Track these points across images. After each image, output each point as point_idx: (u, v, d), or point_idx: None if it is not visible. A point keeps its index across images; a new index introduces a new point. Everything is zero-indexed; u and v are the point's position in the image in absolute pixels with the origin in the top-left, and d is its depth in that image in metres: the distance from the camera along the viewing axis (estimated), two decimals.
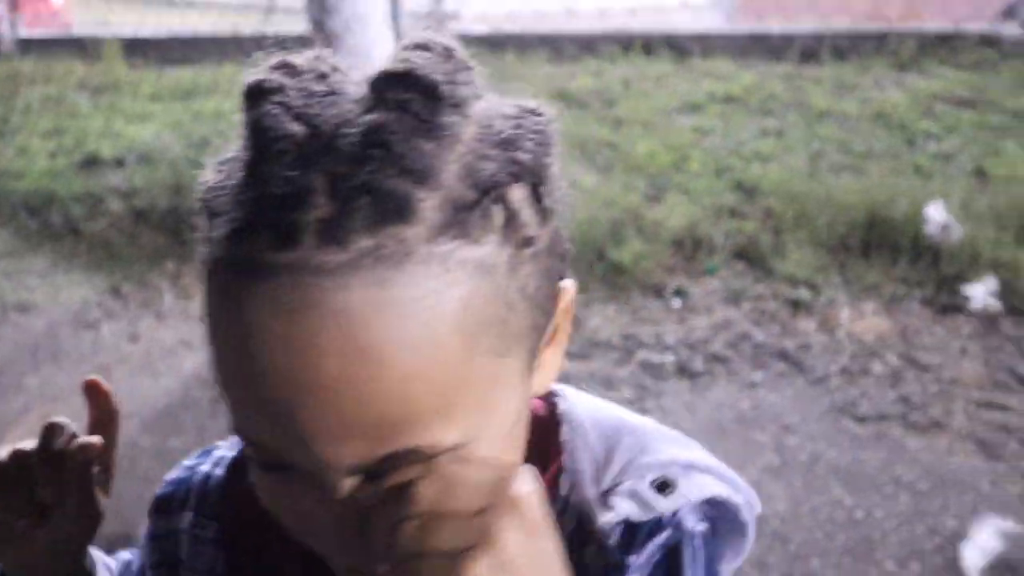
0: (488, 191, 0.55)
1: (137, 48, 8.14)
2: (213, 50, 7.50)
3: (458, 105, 0.56)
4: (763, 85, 6.47)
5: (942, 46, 6.99)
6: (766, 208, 4.53)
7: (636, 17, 6.98)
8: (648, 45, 7.29)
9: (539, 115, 0.61)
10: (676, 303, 3.98)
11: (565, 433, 0.71)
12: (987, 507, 2.79)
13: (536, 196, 0.59)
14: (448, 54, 0.58)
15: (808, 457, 3.05)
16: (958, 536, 2.69)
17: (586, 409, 0.73)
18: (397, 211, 0.52)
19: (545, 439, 0.70)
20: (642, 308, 3.97)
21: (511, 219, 0.56)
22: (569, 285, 0.64)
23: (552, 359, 0.65)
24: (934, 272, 4.00)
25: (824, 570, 2.60)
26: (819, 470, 2.99)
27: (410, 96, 0.54)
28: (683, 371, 3.54)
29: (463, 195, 0.54)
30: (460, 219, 0.54)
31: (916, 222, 4.21)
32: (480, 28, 7.72)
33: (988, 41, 6.83)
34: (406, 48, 0.57)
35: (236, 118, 0.57)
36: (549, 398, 0.74)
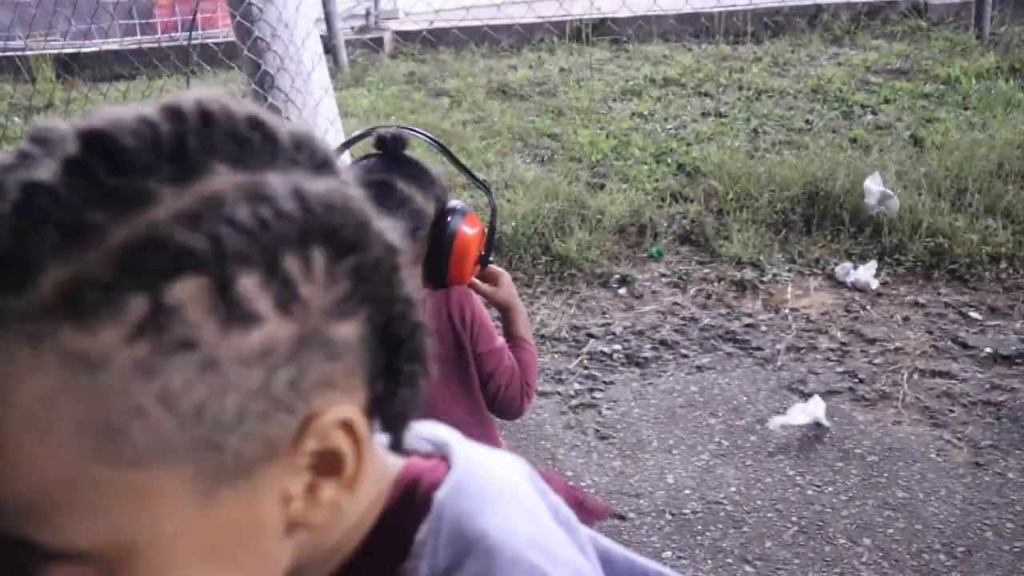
0: (136, 276, 0.48)
1: (70, 66, 7.98)
2: (145, 64, 7.37)
3: (158, 175, 0.49)
4: (700, 66, 6.48)
5: (874, 18, 7.06)
6: (708, 190, 4.54)
7: (567, 6, 6.96)
8: (584, 33, 7.27)
9: (329, 203, 0.54)
10: (623, 291, 3.97)
11: (423, 532, 0.62)
12: (935, 475, 2.82)
13: (225, 294, 0.49)
14: (201, 117, 0.52)
15: (758, 437, 3.06)
16: (908, 507, 2.72)
17: (459, 507, 0.63)
18: (11, 276, 0.47)
19: (398, 537, 0.62)
20: (589, 298, 3.96)
21: (157, 315, 0.48)
22: (345, 412, 0.55)
23: (327, 493, 0.57)
24: (876, 243, 4.04)
25: (778, 551, 2.61)
26: (769, 449, 3.00)
27: (88, 157, 0.49)
28: (632, 360, 3.54)
29: (99, 275, 0.47)
30: (80, 301, 0.47)
31: (855, 194, 4.25)
32: (416, 26, 7.66)
33: (917, 10, 6.91)
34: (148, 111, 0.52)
35: None
36: (426, 480, 0.66)
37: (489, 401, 1.76)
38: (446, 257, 1.62)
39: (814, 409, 3.03)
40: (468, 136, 5.53)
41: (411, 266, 1.62)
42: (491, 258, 1.75)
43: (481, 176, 4.90)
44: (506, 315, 1.80)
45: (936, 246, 3.92)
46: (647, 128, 5.56)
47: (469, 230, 1.64)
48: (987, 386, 3.19)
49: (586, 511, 1.92)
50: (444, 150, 1.69)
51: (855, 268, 3.88)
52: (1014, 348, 3.35)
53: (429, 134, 1.70)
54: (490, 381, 1.74)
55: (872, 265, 3.86)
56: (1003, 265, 3.82)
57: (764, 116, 5.57)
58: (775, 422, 3.03)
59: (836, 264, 3.96)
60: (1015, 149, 4.49)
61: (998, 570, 2.48)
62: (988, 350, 3.36)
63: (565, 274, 4.09)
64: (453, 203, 1.66)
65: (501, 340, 1.76)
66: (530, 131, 5.61)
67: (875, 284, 3.80)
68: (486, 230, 1.70)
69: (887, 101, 5.60)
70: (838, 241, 4.11)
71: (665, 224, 4.34)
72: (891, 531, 2.64)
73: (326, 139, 2.87)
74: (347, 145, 1.79)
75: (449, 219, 1.62)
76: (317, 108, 4.53)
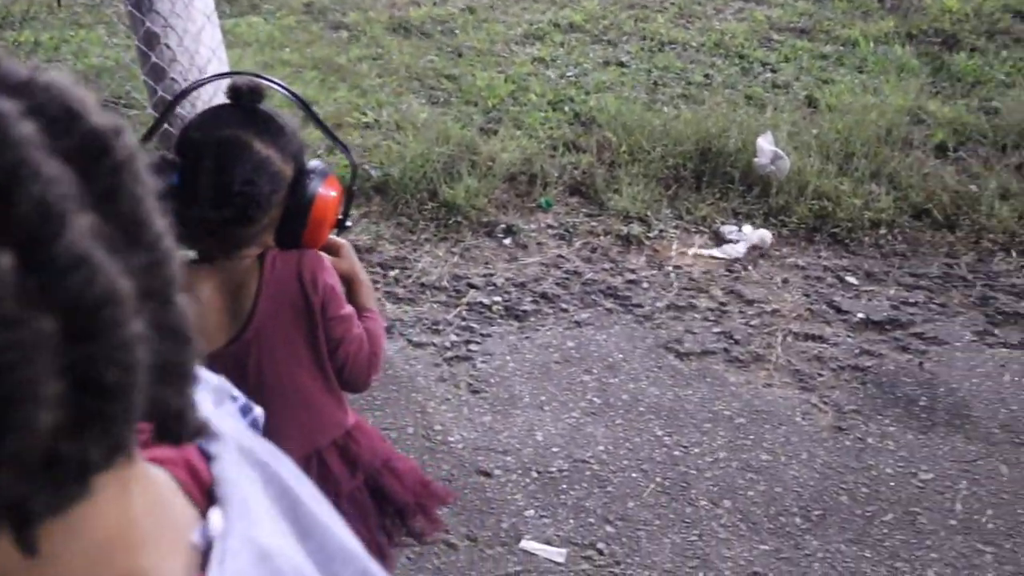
0: None
1: None
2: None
3: None
4: (605, 13, 6.39)
5: None
6: (602, 141, 4.48)
7: None
8: None
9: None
10: (508, 241, 3.91)
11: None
12: (798, 439, 2.85)
13: None
14: None
15: (630, 396, 3.05)
16: (770, 470, 2.74)
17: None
18: None
19: None
20: (473, 247, 3.89)
21: None
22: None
23: None
24: (763, 203, 4.05)
25: (640, 511, 2.61)
26: (640, 409, 3.00)
27: None
28: (511, 312, 3.49)
29: None
30: None
31: (748, 152, 4.24)
32: None
33: None
34: None
35: None
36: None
37: (337, 371, 1.68)
38: (302, 221, 1.53)
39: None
40: (364, 73, 5.35)
41: (267, 230, 1.53)
42: (348, 222, 1.66)
43: (371, 117, 4.76)
44: (349, 286, 1.71)
45: (821, 209, 3.95)
46: (546, 74, 5.46)
47: (328, 193, 1.55)
48: (856, 351, 3.23)
49: (432, 495, 1.87)
50: (306, 108, 1.58)
51: (739, 229, 3.89)
52: (885, 314, 3.40)
53: (288, 88, 1.58)
54: (339, 348, 1.65)
55: (760, 226, 3.87)
56: (883, 231, 3.87)
57: (664, 68, 5.52)
58: (524, 542, 2.53)
59: (724, 222, 3.96)
60: (904, 115, 4.54)
61: (849, 533, 2.52)
62: (861, 315, 3.40)
63: (451, 221, 4.00)
64: (312, 164, 1.56)
65: (350, 308, 1.67)
66: (428, 71, 5.46)
67: (770, 243, 3.79)
68: (344, 192, 1.62)
69: (786, 60, 5.61)
70: (727, 199, 4.11)
71: (556, 174, 4.27)
72: (751, 494, 2.66)
73: (208, 68, 2.67)
74: (192, 89, 1.65)
75: (308, 181, 1.53)
76: (199, 35, 4.30)
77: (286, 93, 1.57)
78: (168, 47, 4.26)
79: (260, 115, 1.51)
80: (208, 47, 4.38)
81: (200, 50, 4.36)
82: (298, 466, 1.74)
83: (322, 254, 1.62)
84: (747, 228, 3.87)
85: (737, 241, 3.81)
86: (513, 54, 5.77)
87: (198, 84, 1.67)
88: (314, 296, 1.58)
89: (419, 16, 6.31)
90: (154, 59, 4.25)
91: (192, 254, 1.58)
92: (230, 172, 1.44)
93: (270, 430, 1.69)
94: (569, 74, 5.45)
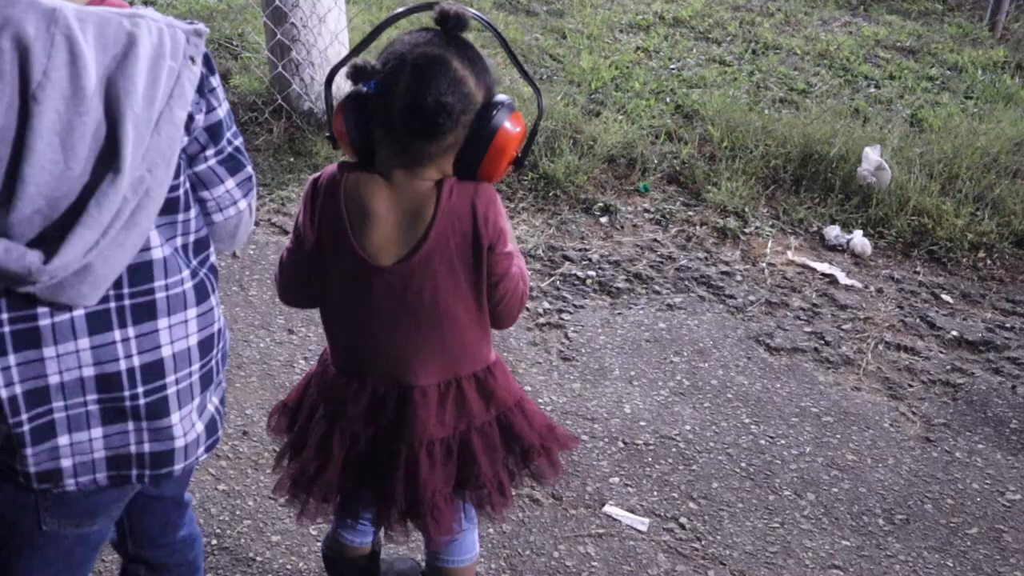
0: None
1: None
2: None
3: None
4: (711, 12, 6.38)
5: None
6: (703, 134, 4.49)
7: None
8: None
9: None
10: (604, 220, 3.93)
11: None
12: (885, 444, 2.85)
13: None
14: None
15: (719, 382, 3.07)
16: (855, 470, 2.74)
17: None
18: None
19: None
20: (570, 222, 3.92)
21: None
22: None
23: None
24: (862, 213, 4.03)
25: (723, 492, 2.63)
26: (728, 395, 3.01)
27: None
28: (604, 287, 3.51)
29: None
30: None
31: (850, 162, 4.22)
32: None
33: None
34: None
35: None
36: None
37: (493, 305, 1.71)
38: (483, 150, 1.54)
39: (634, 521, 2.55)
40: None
41: (449, 152, 1.56)
42: (525, 162, 1.67)
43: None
44: None
45: (920, 225, 3.92)
46: (650, 64, 5.48)
47: (512, 128, 1.55)
48: (948, 367, 3.21)
49: (556, 439, 1.90)
50: (504, 43, 1.61)
51: (848, 233, 3.87)
52: (980, 335, 3.37)
53: (491, 22, 1.61)
54: (500, 283, 1.67)
55: (859, 234, 3.85)
56: (981, 254, 3.83)
57: (768, 72, 5.51)
58: (608, 507, 2.58)
59: (821, 226, 3.95)
60: (1011, 144, 4.49)
61: (932, 541, 2.51)
62: (955, 333, 3.38)
63: (549, 194, 4.03)
64: (501, 97, 1.57)
65: (514, 246, 1.70)
66: (533, 48, 5.50)
67: (869, 253, 3.78)
68: (527, 132, 1.62)
69: (892, 77, 5.57)
70: (825, 205, 4.09)
71: (656, 161, 4.29)
72: (835, 490, 2.67)
73: (334, 9, 2.82)
74: (408, 12, 1.68)
75: (495, 112, 1.54)
76: None
77: (487, 25, 1.59)
78: None
79: (461, 40, 1.54)
80: None
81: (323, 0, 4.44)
82: (436, 391, 1.78)
83: (493, 189, 1.64)
84: (857, 233, 3.85)
85: (842, 247, 3.80)
86: (617, 41, 5.78)
87: (415, 9, 1.66)
88: (484, 230, 1.60)
89: None
90: (277, 3, 4.34)
91: (364, 171, 1.62)
92: (427, 83, 1.48)
93: (418, 352, 1.73)
94: (672, 67, 5.46)
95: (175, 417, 1.43)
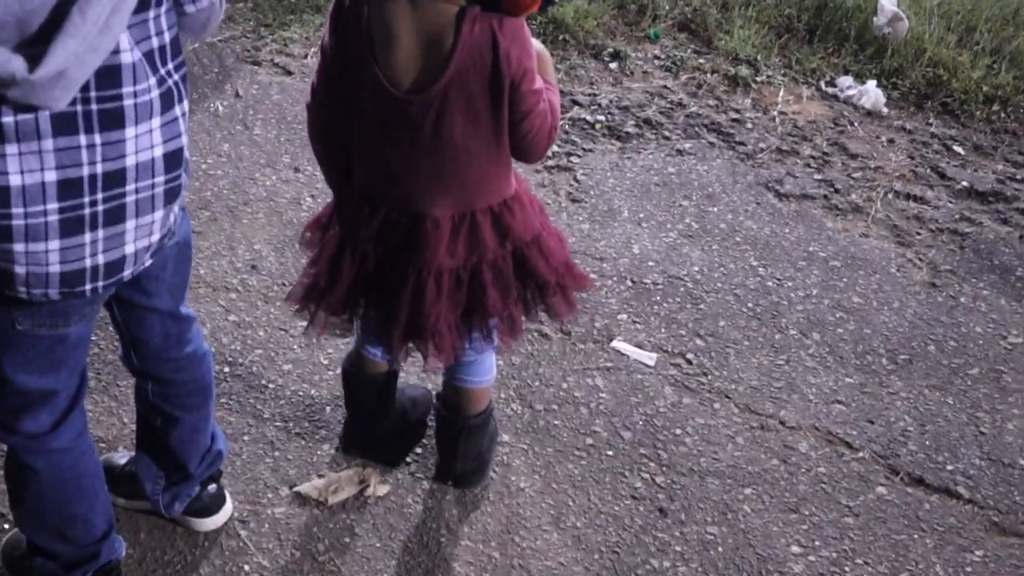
0: None
1: None
2: None
3: None
4: None
5: None
6: None
7: None
8: None
9: None
10: (614, 66, 3.85)
11: None
12: (891, 288, 2.86)
13: None
14: None
15: (727, 226, 3.06)
16: (860, 312, 2.77)
17: None
18: None
19: None
20: (579, 67, 3.84)
21: None
22: None
23: None
24: (876, 64, 3.95)
25: (730, 331, 2.66)
26: (737, 239, 3.01)
27: None
28: (613, 132, 3.47)
29: None
30: None
31: (865, 12, 4.12)
32: None
33: None
34: None
35: None
36: None
37: (516, 140, 1.67)
38: None
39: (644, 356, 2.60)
40: None
41: None
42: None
43: None
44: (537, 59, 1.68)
45: (935, 76, 3.85)
46: None
47: None
48: (957, 216, 3.20)
49: (574, 277, 1.90)
50: None
51: (862, 83, 3.80)
52: (990, 186, 3.35)
53: None
54: (524, 121, 1.63)
55: (872, 84, 3.78)
56: (996, 107, 3.77)
57: None
58: (616, 343, 2.61)
59: (834, 76, 3.88)
60: None
61: (934, 380, 2.56)
62: (964, 183, 3.36)
63: (558, 38, 3.94)
64: None
65: (541, 82, 1.64)
66: None
67: (882, 103, 3.72)
68: None
69: None
70: (839, 55, 4.01)
71: (667, 7, 4.17)
72: (840, 331, 2.69)
73: None
74: None
75: None
76: None
77: None
78: None
79: None
80: None
81: None
82: (449, 222, 1.77)
83: (522, 24, 1.57)
84: (870, 83, 3.78)
85: (853, 96, 3.74)
86: None
87: None
88: (506, 69, 1.54)
89: None
90: None
91: None
92: None
93: (432, 182, 1.71)
94: None
95: (130, 224, 1.43)
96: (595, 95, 3.66)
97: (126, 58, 1.32)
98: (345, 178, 1.81)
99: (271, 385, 2.39)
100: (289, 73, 3.68)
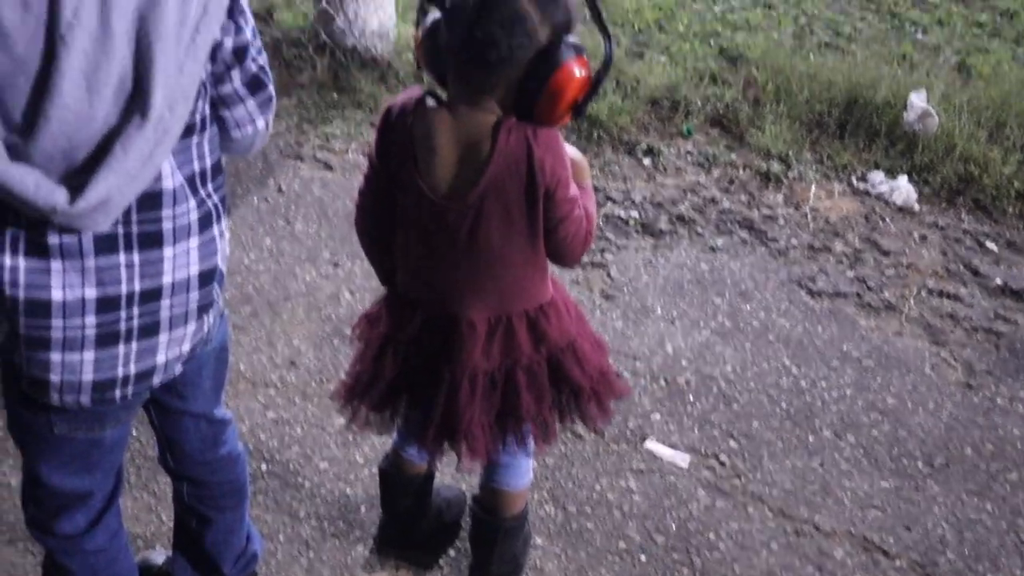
0: None
1: None
2: None
3: None
4: None
5: None
6: (748, 77, 4.44)
7: None
8: None
9: None
10: (647, 162, 3.92)
11: None
12: (926, 389, 2.86)
13: None
14: None
15: (760, 324, 3.08)
16: (895, 414, 2.76)
17: None
18: None
19: None
20: (613, 163, 3.91)
21: None
22: None
23: None
24: (907, 159, 3.99)
25: (764, 432, 2.66)
26: (770, 338, 3.02)
27: None
28: (647, 229, 3.52)
29: None
30: None
31: (896, 108, 4.17)
32: None
33: None
34: None
35: None
36: None
37: (552, 246, 1.71)
38: (539, 89, 1.50)
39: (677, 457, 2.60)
40: None
41: (505, 86, 1.55)
42: (586, 109, 1.59)
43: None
44: (571, 165, 1.72)
45: (966, 172, 3.88)
46: (694, 6, 5.41)
47: (575, 70, 1.50)
48: (991, 315, 3.20)
49: (608, 384, 1.92)
50: None
51: (893, 179, 3.84)
52: None
53: None
54: (559, 227, 1.67)
55: (903, 180, 3.82)
56: None
57: (813, 16, 5.43)
58: (649, 444, 2.62)
59: (865, 172, 3.92)
60: None
61: (972, 485, 2.53)
62: (999, 281, 3.36)
63: (593, 135, 4.02)
64: (571, 39, 1.52)
65: (576, 189, 1.68)
66: None
67: (914, 199, 3.75)
68: (592, 78, 1.54)
69: (940, 23, 5.47)
70: (869, 151, 4.05)
71: (699, 104, 4.25)
72: (875, 433, 2.69)
73: None
74: None
75: (557, 52, 1.49)
76: None
77: None
78: None
79: None
80: None
81: None
82: (485, 325, 1.81)
83: (556, 134, 1.62)
84: (902, 179, 3.81)
85: (885, 191, 3.77)
86: None
87: None
88: (541, 178, 1.58)
89: None
90: None
91: (432, 102, 1.63)
92: (485, 14, 1.47)
93: (468, 287, 1.76)
94: (716, 8, 5.39)
95: (163, 337, 1.47)
96: (629, 191, 3.72)
97: (167, 184, 1.37)
98: (390, 279, 1.87)
99: (307, 483, 2.42)
100: (330, 168, 3.79)
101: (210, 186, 1.46)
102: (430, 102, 1.62)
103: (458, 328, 1.76)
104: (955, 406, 2.81)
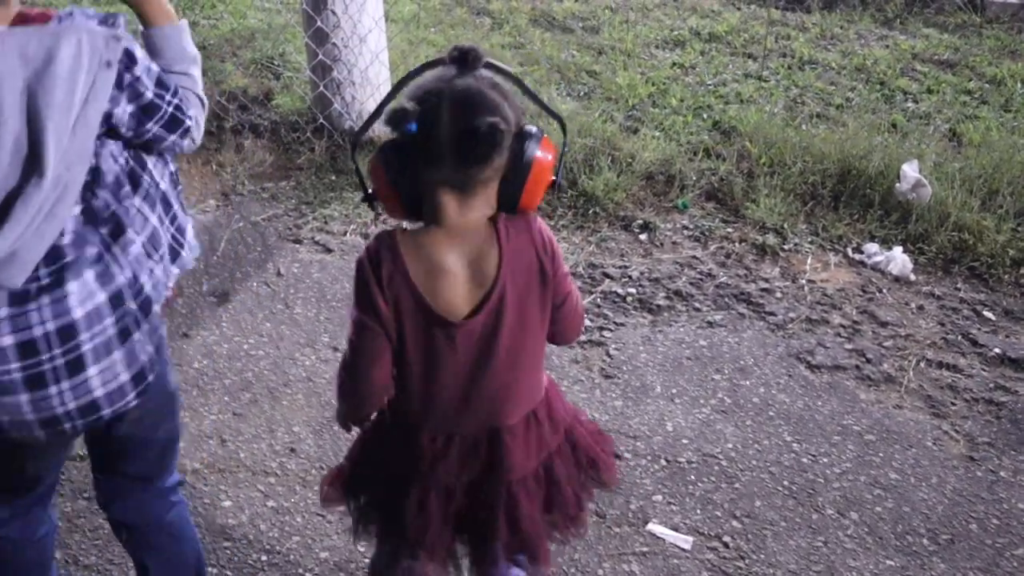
0: None
1: None
2: None
3: None
4: (747, 27, 6.39)
5: (928, 6, 6.96)
6: (741, 150, 4.50)
7: None
8: None
9: None
10: (643, 237, 3.96)
11: None
12: (928, 463, 2.84)
13: None
14: None
15: (760, 400, 3.08)
16: (898, 489, 2.74)
17: None
18: None
19: None
20: (609, 239, 3.94)
21: None
22: None
23: None
24: (902, 229, 4.02)
25: (767, 511, 2.64)
26: (770, 413, 3.02)
27: None
28: (645, 305, 3.54)
29: None
30: None
31: (888, 178, 4.22)
32: None
33: (974, 5, 6.80)
34: None
35: None
36: None
37: (559, 324, 1.72)
38: (523, 180, 1.54)
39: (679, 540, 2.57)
40: (506, 60, 5.45)
41: (494, 179, 1.57)
42: (559, 183, 1.65)
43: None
44: None
45: (961, 241, 3.91)
46: (687, 80, 5.50)
47: (545, 156, 1.56)
48: (991, 385, 3.20)
49: (605, 441, 1.92)
50: (517, 80, 1.59)
51: (888, 249, 3.86)
52: (1023, 353, 3.36)
53: (500, 63, 1.63)
54: (564, 303, 1.69)
55: (899, 251, 3.84)
56: (1023, 271, 3.81)
57: (805, 87, 5.51)
58: (651, 526, 2.60)
59: (860, 243, 3.95)
60: None
61: (978, 562, 2.51)
62: (997, 350, 3.36)
63: (589, 212, 4.07)
64: (527, 127, 1.57)
65: (566, 266, 1.73)
66: (569, 65, 5.54)
67: (910, 269, 3.78)
68: (559, 155, 1.62)
69: (930, 91, 5.54)
70: (864, 221, 4.09)
71: (694, 178, 4.31)
72: (879, 509, 2.67)
73: (374, 29, 2.96)
74: (426, 67, 1.66)
75: (527, 142, 1.54)
76: (364, 5, 4.45)
77: (503, 72, 1.60)
78: (334, 13, 4.42)
79: (485, 76, 1.54)
80: (371, 17, 4.53)
81: (363, 19, 4.51)
82: (523, 426, 1.81)
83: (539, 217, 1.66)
84: (897, 250, 3.84)
85: (881, 262, 3.80)
86: (654, 57, 5.81)
87: (432, 64, 1.65)
88: (546, 259, 1.61)
89: (562, 11, 6.40)
90: (319, 23, 4.41)
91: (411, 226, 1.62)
92: (471, 109, 1.48)
93: (503, 394, 1.72)
94: (709, 83, 5.48)
95: (92, 370, 1.56)
96: (626, 267, 3.75)
97: (67, 239, 1.52)
98: (364, 419, 1.83)
99: (307, 575, 2.40)
100: (329, 251, 3.82)
101: (104, 230, 1.57)
102: (416, 230, 1.61)
103: (500, 438, 1.73)
104: (958, 480, 2.79)
